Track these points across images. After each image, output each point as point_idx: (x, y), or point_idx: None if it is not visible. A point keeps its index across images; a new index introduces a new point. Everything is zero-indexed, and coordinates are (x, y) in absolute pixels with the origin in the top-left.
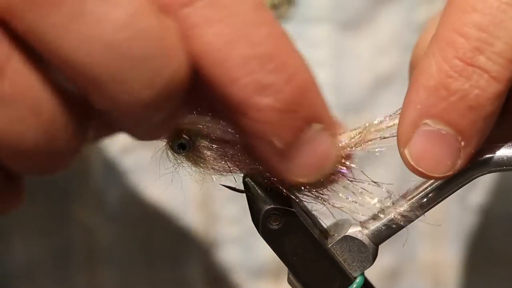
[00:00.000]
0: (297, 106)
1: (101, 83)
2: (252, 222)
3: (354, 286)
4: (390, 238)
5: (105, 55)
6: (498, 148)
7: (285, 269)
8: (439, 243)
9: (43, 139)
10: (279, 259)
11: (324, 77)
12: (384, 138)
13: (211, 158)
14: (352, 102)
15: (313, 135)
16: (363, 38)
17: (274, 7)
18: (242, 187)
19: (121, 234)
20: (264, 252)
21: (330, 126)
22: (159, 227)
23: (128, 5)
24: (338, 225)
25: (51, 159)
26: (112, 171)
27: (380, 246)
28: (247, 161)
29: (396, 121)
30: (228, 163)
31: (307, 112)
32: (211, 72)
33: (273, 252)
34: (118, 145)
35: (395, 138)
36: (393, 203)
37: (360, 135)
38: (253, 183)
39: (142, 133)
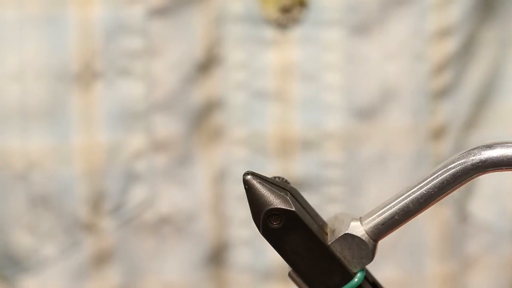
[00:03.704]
0: None
1: None
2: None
3: (356, 280)
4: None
5: None
6: (498, 147)
7: None
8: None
9: None
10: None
11: (335, 81)
12: None
13: None
14: (363, 106)
15: None
16: (374, 43)
17: (286, 10)
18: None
19: (133, 238)
20: (274, 254)
21: None
22: (170, 230)
23: None
24: (338, 219)
25: None
26: (124, 175)
27: (384, 257)
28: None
29: None
30: None
31: None
32: None
33: None
34: (130, 150)
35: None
36: (392, 201)
37: None
38: (253, 181)
39: None
